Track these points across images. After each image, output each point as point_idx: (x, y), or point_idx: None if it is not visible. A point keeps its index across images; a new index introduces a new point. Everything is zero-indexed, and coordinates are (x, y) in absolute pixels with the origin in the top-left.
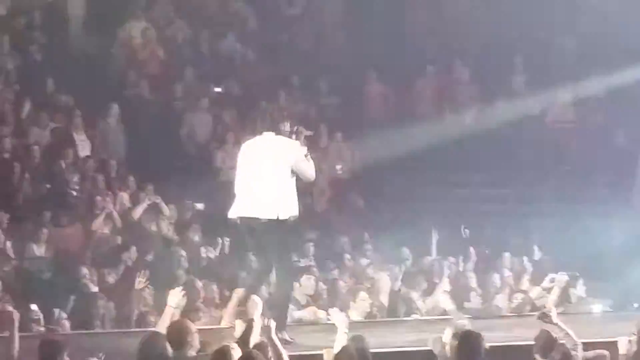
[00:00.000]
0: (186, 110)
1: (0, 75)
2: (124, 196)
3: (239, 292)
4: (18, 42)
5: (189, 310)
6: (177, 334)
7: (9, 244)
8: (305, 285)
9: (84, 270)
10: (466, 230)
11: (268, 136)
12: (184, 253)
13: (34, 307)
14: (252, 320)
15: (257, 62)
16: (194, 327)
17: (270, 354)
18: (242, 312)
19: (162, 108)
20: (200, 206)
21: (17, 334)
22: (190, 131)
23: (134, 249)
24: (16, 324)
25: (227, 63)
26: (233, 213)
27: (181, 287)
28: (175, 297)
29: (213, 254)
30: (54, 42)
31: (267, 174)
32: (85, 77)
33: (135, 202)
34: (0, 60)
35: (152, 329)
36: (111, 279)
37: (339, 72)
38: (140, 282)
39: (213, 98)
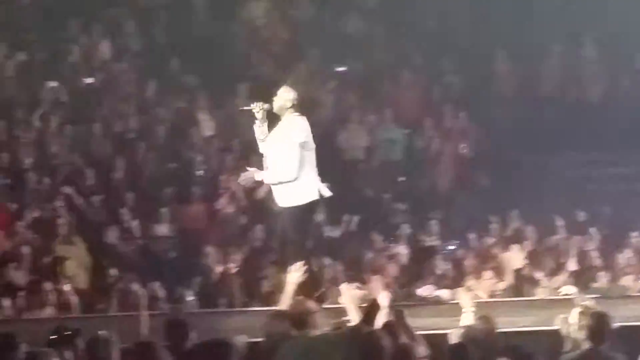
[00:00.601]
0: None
1: (126, 55)
2: None
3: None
4: (142, 22)
5: (313, 289)
6: (298, 314)
7: (134, 223)
8: (433, 264)
9: (209, 249)
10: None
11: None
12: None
13: (159, 285)
14: (375, 299)
15: (381, 41)
16: (315, 306)
17: (400, 334)
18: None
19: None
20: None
21: (144, 313)
22: (313, 111)
23: (258, 228)
24: (143, 303)
25: (350, 42)
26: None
27: (303, 266)
28: (297, 276)
29: (337, 233)
30: (178, 23)
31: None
32: (210, 57)
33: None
34: (126, 41)
35: (276, 307)
36: (237, 258)
37: (463, 50)
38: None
39: (337, 77)
